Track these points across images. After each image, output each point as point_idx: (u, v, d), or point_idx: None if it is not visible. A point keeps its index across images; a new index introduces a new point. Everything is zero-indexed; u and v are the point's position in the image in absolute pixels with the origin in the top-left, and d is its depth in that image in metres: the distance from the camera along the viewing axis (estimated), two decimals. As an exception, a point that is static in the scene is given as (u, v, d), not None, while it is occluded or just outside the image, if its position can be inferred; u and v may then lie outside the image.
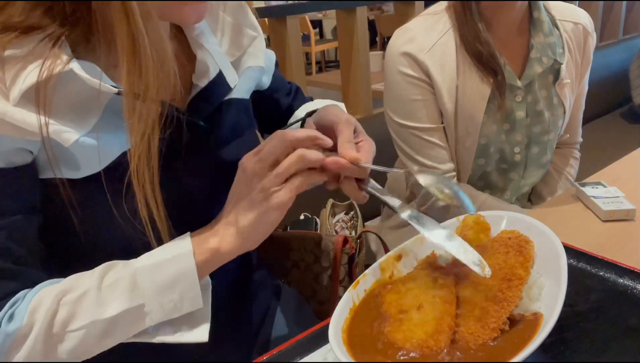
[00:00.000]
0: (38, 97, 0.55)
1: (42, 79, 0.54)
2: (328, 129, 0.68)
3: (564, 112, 1.20)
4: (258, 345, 0.88)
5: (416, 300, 0.62)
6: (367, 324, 0.63)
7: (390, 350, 0.58)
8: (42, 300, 0.56)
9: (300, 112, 0.92)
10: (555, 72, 1.16)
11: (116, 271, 0.59)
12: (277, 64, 0.96)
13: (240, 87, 0.78)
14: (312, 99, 0.99)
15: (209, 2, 0.62)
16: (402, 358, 0.57)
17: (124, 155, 0.61)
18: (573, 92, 1.21)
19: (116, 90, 0.58)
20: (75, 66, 0.56)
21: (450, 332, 0.57)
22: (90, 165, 0.60)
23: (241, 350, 0.86)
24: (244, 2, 0.79)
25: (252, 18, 0.79)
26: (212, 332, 0.60)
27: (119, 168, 0.60)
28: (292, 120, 0.93)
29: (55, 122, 0.56)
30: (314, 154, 0.60)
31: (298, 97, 0.98)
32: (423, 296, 0.62)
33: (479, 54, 1.09)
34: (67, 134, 0.57)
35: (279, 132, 0.61)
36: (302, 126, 0.84)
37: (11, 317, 0.56)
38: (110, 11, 0.54)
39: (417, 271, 0.68)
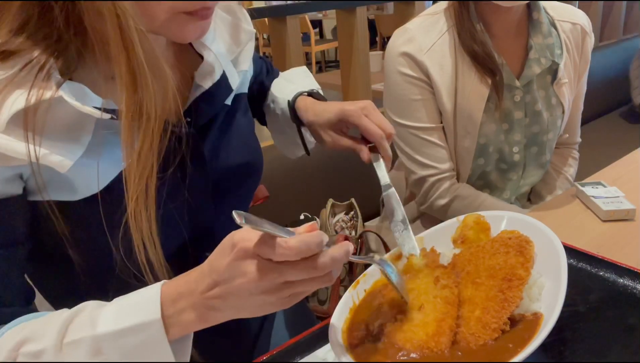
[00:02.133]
0: (27, 123, 0.52)
1: (30, 105, 0.52)
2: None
3: (563, 112, 1.20)
4: (258, 345, 0.88)
5: (417, 301, 0.62)
6: (367, 324, 0.63)
7: (390, 350, 0.58)
8: (1, 347, 0.52)
9: (279, 94, 0.90)
10: (553, 72, 1.16)
11: (79, 326, 0.52)
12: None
13: (240, 87, 0.78)
14: (277, 73, 0.99)
15: (211, 18, 0.60)
16: (402, 358, 0.57)
17: (121, 174, 0.59)
18: (571, 92, 1.21)
19: (108, 116, 0.57)
20: (65, 93, 0.54)
21: (451, 334, 0.57)
22: (88, 186, 0.59)
23: (241, 350, 0.86)
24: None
25: (245, 12, 0.79)
26: (213, 333, 0.60)
27: (116, 188, 0.59)
28: (270, 102, 0.92)
29: (47, 149, 0.54)
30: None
31: (273, 72, 0.98)
32: (424, 297, 0.62)
33: (477, 55, 1.09)
34: (61, 159, 0.55)
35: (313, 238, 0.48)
36: (292, 114, 0.84)
37: None
38: (109, 44, 0.52)
39: (418, 270, 0.68)
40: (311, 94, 0.86)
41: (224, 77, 0.72)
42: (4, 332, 0.54)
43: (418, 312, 0.60)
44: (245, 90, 0.82)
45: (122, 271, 0.60)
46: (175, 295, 0.52)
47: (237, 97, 0.78)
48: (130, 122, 0.54)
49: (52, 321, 0.53)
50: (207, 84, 0.69)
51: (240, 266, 0.48)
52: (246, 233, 0.48)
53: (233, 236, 0.49)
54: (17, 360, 0.51)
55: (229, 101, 0.74)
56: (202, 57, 0.71)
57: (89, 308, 0.54)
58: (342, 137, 0.79)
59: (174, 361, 0.52)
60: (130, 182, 0.55)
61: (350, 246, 0.49)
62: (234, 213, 0.45)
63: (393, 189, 0.73)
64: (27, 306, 0.60)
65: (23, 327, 0.54)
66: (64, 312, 0.54)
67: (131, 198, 0.55)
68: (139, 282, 0.58)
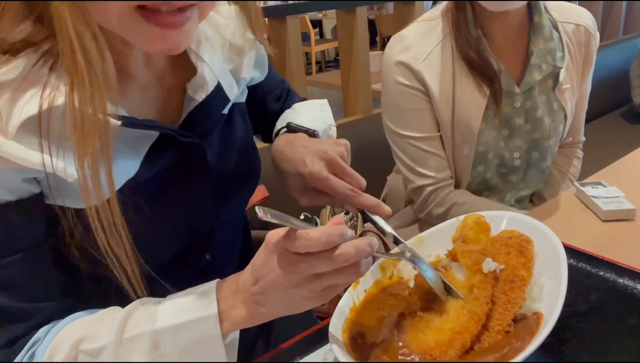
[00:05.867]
0: (40, 130, 0.50)
1: (43, 111, 0.50)
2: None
3: (565, 117, 1.18)
4: (258, 345, 0.88)
5: (443, 305, 0.60)
6: (370, 321, 0.63)
7: (393, 345, 0.58)
8: (59, 345, 0.54)
9: (281, 122, 0.86)
10: (554, 76, 1.14)
11: (137, 322, 0.55)
12: (270, 64, 0.90)
13: (238, 96, 0.78)
14: (305, 99, 0.94)
15: (186, 30, 0.53)
16: (401, 356, 0.56)
17: (129, 182, 0.59)
18: (574, 95, 1.19)
19: (118, 123, 0.54)
20: (77, 98, 0.51)
21: (461, 350, 0.55)
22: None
23: (241, 350, 0.86)
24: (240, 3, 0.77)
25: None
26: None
27: (122, 197, 0.57)
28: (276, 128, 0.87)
29: (56, 157, 0.52)
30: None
31: (289, 100, 0.94)
32: (453, 302, 0.60)
33: (474, 62, 1.07)
34: (69, 168, 0.53)
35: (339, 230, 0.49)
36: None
37: (32, 357, 0.55)
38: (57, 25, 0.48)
39: (466, 266, 0.65)
40: (294, 130, 0.79)
41: (218, 89, 0.69)
42: (59, 330, 0.56)
43: (439, 316, 0.59)
44: (243, 100, 0.81)
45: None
46: (227, 292, 0.56)
47: (236, 106, 0.77)
48: (74, 120, 0.50)
49: (105, 319, 0.56)
50: (200, 96, 0.67)
51: (272, 261, 0.51)
52: (276, 230, 0.50)
53: (267, 234, 0.51)
54: (79, 357, 0.54)
55: (225, 110, 0.73)
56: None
57: (145, 305, 0.57)
58: (316, 197, 0.72)
59: (225, 359, 0.55)
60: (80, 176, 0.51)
61: (374, 239, 0.50)
62: (256, 208, 0.46)
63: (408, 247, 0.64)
64: (65, 298, 0.60)
65: (78, 325, 0.56)
66: (117, 310, 0.57)
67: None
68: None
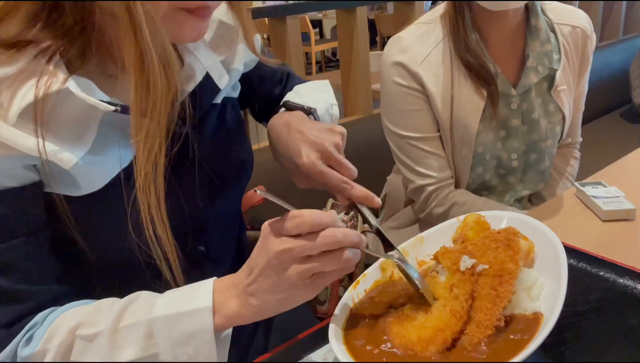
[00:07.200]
0: (36, 117, 0.53)
1: (38, 98, 0.52)
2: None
3: (563, 118, 1.18)
4: (258, 345, 0.88)
5: (428, 304, 0.62)
6: (368, 322, 0.63)
7: (378, 337, 0.59)
8: (56, 330, 0.56)
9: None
10: (550, 78, 1.14)
11: (134, 312, 0.57)
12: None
13: (230, 91, 0.78)
14: (304, 81, 0.95)
15: (209, 19, 0.60)
16: (385, 348, 0.58)
17: (124, 171, 0.60)
18: (571, 96, 1.19)
19: (113, 108, 0.57)
20: (72, 84, 0.54)
21: (442, 347, 0.56)
22: (91, 183, 0.60)
23: (241, 350, 0.86)
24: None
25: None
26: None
27: (120, 184, 0.60)
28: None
29: (53, 144, 0.55)
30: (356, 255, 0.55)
31: (289, 83, 0.94)
32: (436, 302, 0.61)
33: (471, 65, 1.07)
34: (66, 155, 0.56)
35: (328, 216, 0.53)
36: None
37: (29, 340, 0.56)
38: (117, 28, 0.53)
39: (446, 267, 0.65)
40: (291, 108, 0.80)
41: (207, 79, 0.71)
42: (57, 316, 0.57)
43: (423, 313, 0.60)
44: (236, 95, 0.82)
45: (130, 255, 0.61)
46: (223, 287, 0.58)
47: (227, 100, 0.78)
48: (139, 102, 0.55)
49: (104, 307, 0.58)
50: (189, 87, 0.68)
51: (266, 245, 0.53)
52: (271, 219, 0.53)
53: (263, 224, 0.54)
54: (75, 342, 0.55)
55: (218, 100, 0.74)
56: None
57: (143, 296, 0.59)
58: (312, 181, 0.71)
59: (215, 353, 0.56)
60: (139, 157, 0.56)
61: (363, 236, 0.53)
62: (256, 188, 0.51)
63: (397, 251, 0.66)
64: (68, 285, 0.62)
65: (77, 313, 0.58)
66: (115, 300, 0.59)
67: (139, 173, 0.56)
68: (148, 259, 0.60)
